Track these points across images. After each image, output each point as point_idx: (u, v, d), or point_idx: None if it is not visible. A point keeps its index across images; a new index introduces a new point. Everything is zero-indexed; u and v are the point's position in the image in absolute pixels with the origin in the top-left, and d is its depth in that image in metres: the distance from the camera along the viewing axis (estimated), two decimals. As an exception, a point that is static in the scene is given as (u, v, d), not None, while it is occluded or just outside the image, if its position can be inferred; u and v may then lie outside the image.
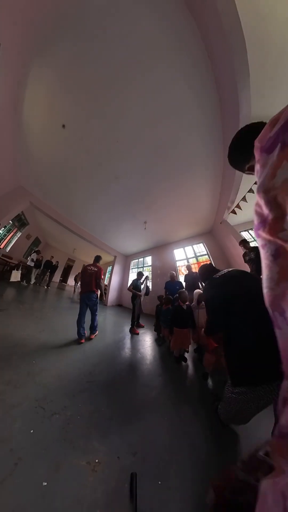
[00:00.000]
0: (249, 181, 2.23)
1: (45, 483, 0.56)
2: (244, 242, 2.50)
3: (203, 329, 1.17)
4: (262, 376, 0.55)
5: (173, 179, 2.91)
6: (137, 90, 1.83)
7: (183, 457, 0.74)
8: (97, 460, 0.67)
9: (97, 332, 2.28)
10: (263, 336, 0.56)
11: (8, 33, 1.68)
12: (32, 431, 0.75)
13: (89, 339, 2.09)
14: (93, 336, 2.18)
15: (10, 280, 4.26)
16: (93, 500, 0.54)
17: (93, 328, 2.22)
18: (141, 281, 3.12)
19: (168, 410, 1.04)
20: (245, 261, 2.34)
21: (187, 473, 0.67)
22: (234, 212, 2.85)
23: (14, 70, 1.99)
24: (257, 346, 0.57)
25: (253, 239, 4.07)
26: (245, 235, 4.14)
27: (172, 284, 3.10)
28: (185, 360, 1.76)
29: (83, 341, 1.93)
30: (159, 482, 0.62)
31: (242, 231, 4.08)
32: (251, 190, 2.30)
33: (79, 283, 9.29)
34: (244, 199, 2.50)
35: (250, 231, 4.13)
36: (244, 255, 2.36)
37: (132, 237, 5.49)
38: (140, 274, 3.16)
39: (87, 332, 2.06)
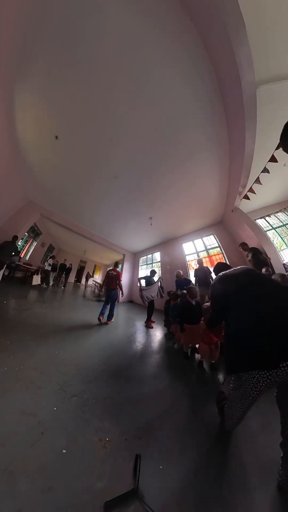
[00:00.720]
0: (262, 160, 1.93)
1: (64, 451, 0.67)
2: (243, 245, 2.67)
3: (201, 321, 1.16)
4: (248, 364, 0.57)
5: (174, 170, 2.74)
6: (121, 78, 1.71)
7: (185, 449, 0.77)
8: (107, 439, 0.76)
9: (112, 319, 2.87)
10: (257, 328, 0.58)
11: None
12: (55, 408, 0.89)
13: (105, 324, 2.67)
14: (109, 322, 2.76)
15: (32, 284, 4.87)
16: (102, 471, 0.62)
17: (110, 316, 2.84)
18: (155, 280, 3.27)
19: (174, 403, 1.08)
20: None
21: (187, 464, 0.71)
22: (246, 197, 2.52)
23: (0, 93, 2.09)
24: (249, 337, 0.58)
25: (270, 227, 3.57)
26: (261, 222, 3.57)
27: (180, 282, 3.04)
28: (194, 356, 1.74)
29: (101, 319, 2.62)
30: (161, 467, 0.67)
31: (257, 219, 3.53)
32: (265, 170, 1.98)
33: (89, 280, 10.19)
34: (257, 181, 2.17)
35: (267, 218, 3.55)
36: (246, 257, 2.59)
37: (138, 234, 5.51)
38: (153, 272, 3.41)
39: (103, 319, 2.70)
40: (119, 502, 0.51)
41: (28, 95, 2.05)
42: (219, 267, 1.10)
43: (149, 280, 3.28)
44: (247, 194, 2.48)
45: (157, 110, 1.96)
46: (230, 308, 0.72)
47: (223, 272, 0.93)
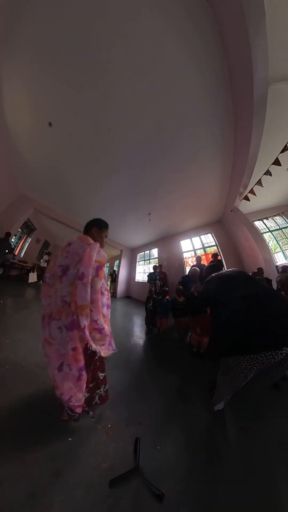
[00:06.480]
0: (265, 161, 1.91)
1: (70, 439, 0.74)
2: (214, 255, 3.01)
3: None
4: (237, 350, 0.69)
5: (176, 165, 2.65)
6: (122, 62, 1.55)
7: (179, 431, 0.88)
8: (109, 425, 0.84)
9: None
10: (247, 321, 0.70)
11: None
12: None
13: None
14: None
15: (29, 282, 4.70)
16: (106, 453, 0.70)
17: None
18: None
19: (170, 391, 1.18)
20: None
21: (181, 443, 0.81)
22: (247, 198, 2.53)
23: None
24: (235, 326, 0.72)
25: (267, 230, 3.67)
26: (259, 224, 3.67)
27: (190, 280, 2.90)
28: (202, 356, 1.66)
29: None
30: (158, 447, 0.76)
31: (255, 220, 3.62)
32: (268, 172, 1.98)
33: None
34: (259, 183, 2.17)
35: (264, 220, 3.65)
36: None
37: (137, 230, 5.44)
38: (155, 268, 3.76)
39: None
40: (122, 479, 0.59)
41: (15, 74, 1.82)
42: (216, 266, 1.30)
43: (151, 276, 3.50)
44: (247, 195, 2.48)
45: (162, 100, 1.83)
46: (224, 303, 0.85)
47: (220, 272, 1.15)
